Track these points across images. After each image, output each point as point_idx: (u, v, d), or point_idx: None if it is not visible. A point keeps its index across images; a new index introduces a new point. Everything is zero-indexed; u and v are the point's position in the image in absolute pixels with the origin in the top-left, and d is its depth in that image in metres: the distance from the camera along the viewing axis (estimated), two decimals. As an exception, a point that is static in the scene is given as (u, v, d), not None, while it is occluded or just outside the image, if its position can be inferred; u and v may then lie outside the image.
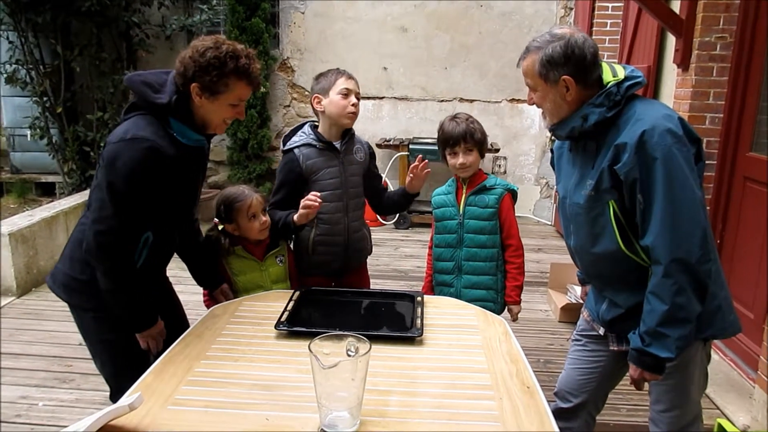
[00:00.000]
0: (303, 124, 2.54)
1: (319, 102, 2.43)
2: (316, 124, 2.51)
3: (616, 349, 1.91)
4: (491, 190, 2.49)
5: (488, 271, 2.52)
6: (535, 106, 1.82)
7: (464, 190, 2.52)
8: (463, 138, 2.42)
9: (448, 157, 2.50)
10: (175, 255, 2.23)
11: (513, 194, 2.53)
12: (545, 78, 1.70)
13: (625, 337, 1.83)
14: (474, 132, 2.43)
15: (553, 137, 1.94)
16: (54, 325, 3.84)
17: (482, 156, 2.53)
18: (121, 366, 1.98)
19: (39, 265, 4.58)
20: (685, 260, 1.56)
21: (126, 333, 1.95)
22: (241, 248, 2.40)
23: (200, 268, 2.35)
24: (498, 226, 2.49)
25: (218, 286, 2.37)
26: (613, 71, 1.72)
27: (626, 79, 1.69)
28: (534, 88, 1.76)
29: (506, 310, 2.58)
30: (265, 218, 2.38)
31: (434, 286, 2.65)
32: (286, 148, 2.49)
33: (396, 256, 5.17)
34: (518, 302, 2.56)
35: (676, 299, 1.58)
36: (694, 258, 1.56)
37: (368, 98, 6.54)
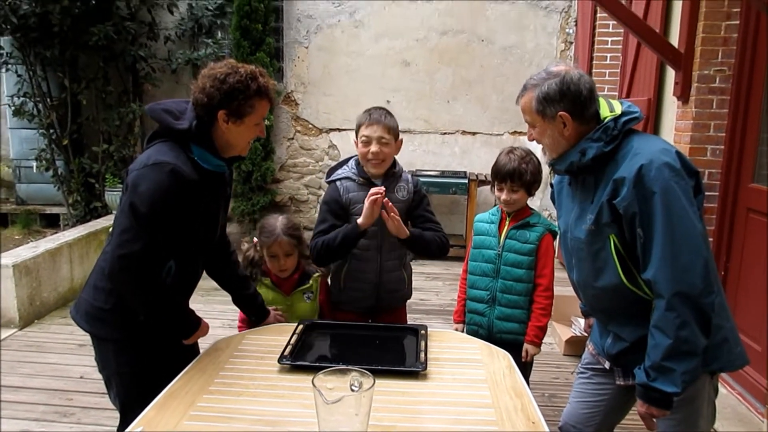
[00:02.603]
0: (350, 158, 2.56)
1: (356, 145, 2.46)
2: None
3: (622, 383, 1.89)
4: (533, 227, 2.49)
5: (522, 305, 2.51)
6: (535, 141, 1.85)
7: (507, 223, 2.53)
8: (511, 176, 2.43)
9: (495, 189, 2.53)
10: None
11: (554, 234, 2.50)
12: (542, 114, 1.73)
13: (631, 371, 1.81)
14: (524, 173, 2.43)
15: (553, 171, 1.96)
16: (56, 357, 3.82)
17: (531, 195, 2.52)
18: (135, 399, 1.94)
19: (42, 297, 4.57)
20: (688, 293, 1.56)
21: (145, 366, 1.94)
22: (269, 280, 2.41)
23: (244, 300, 2.34)
24: (534, 263, 2.49)
25: (263, 313, 2.35)
26: (610, 106, 1.74)
27: (623, 114, 1.71)
28: (533, 124, 1.79)
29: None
30: (285, 262, 2.39)
31: (466, 313, 2.64)
32: (329, 179, 2.53)
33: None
34: (537, 344, 2.52)
35: (679, 333, 1.57)
36: (697, 291, 1.56)
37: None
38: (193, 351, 2.16)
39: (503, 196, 2.47)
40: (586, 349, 2.10)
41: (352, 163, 2.52)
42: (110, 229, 1.94)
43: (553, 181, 2.11)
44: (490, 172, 2.58)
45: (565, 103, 1.69)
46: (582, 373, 2.09)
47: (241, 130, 1.89)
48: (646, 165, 1.59)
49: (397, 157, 2.53)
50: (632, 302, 1.74)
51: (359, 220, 2.32)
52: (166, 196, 1.76)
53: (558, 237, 2.10)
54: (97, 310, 1.94)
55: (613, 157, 1.69)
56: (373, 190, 2.28)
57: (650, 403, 1.66)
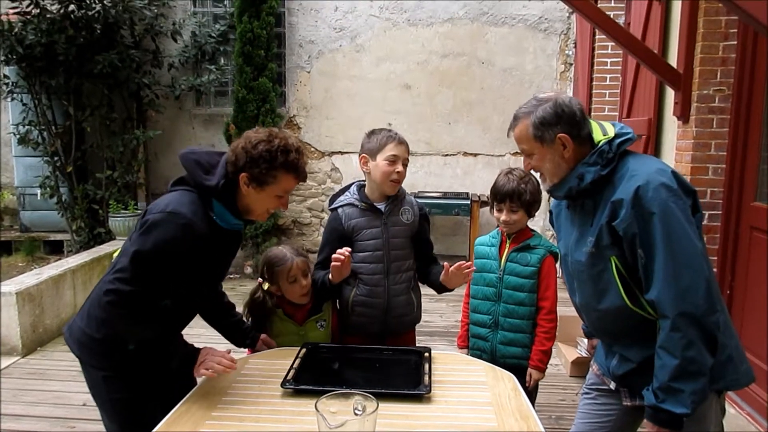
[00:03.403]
0: (351, 184, 2.54)
1: (365, 163, 2.39)
2: (364, 183, 2.49)
3: (629, 404, 1.87)
4: (534, 249, 2.47)
5: (525, 329, 2.49)
6: (533, 170, 1.85)
7: (508, 246, 2.51)
8: (510, 196, 2.42)
9: (494, 210, 2.50)
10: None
11: (555, 256, 2.47)
12: (541, 140, 1.73)
13: (638, 392, 1.80)
14: (523, 193, 2.41)
15: (551, 198, 1.98)
16: (58, 385, 3.79)
17: (531, 216, 2.50)
18: (128, 426, 1.95)
19: (45, 324, 4.56)
20: (692, 313, 1.55)
21: (135, 394, 1.93)
22: (281, 311, 2.40)
23: (230, 330, 2.34)
24: (536, 286, 2.47)
25: (254, 341, 2.34)
26: (602, 129, 1.76)
27: (617, 136, 1.72)
28: (530, 152, 1.78)
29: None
30: (306, 282, 2.37)
31: (469, 337, 2.61)
32: (331, 207, 2.50)
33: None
34: (541, 369, 2.49)
35: (686, 353, 1.56)
36: (701, 311, 1.55)
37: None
38: (189, 380, 2.15)
39: (503, 217, 2.45)
40: (591, 369, 2.08)
41: (353, 188, 2.50)
42: (114, 255, 1.95)
43: (551, 205, 2.10)
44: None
45: (563, 125, 1.70)
46: (587, 393, 2.07)
47: (261, 197, 1.90)
48: (643, 186, 1.60)
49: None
50: (637, 323, 1.73)
51: (329, 276, 2.32)
52: (172, 248, 1.78)
53: (558, 260, 2.09)
54: (87, 338, 1.93)
55: (610, 180, 1.70)
56: (339, 250, 2.25)
57: (660, 424, 1.64)
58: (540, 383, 2.56)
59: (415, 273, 2.54)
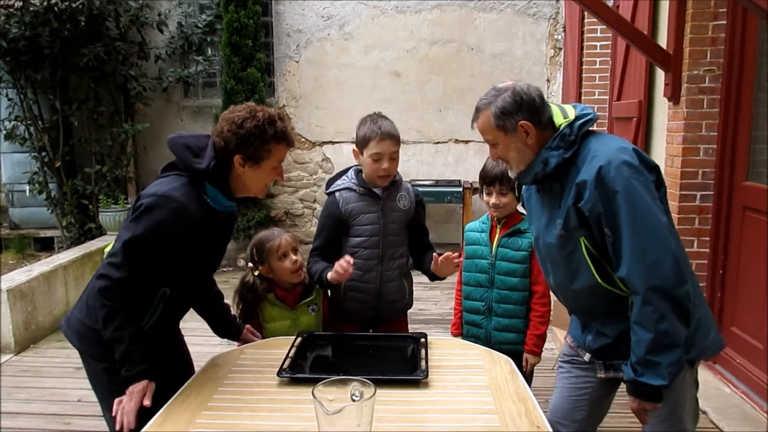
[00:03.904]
0: (349, 168, 2.51)
1: (357, 156, 2.39)
2: (362, 168, 2.46)
3: (603, 376, 1.90)
4: (525, 233, 2.45)
5: (519, 314, 2.48)
6: (499, 159, 1.88)
7: (498, 231, 2.50)
8: (499, 179, 2.40)
9: (484, 194, 2.49)
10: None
11: None
12: (503, 129, 1.75)
13: (611, 365, 1.85)
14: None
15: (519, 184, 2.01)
16: (53, 382, 3.77)
17: (519, 199, 2.44)
18: None
19: (38, 321, 4.53)
20: (661, 287, 1.58)
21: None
22: (272, 296, 2.39)
23: (216, 319, 2.32)
24: (528, 270, 2.45)
25: (239, 331, 2.32)
26: (563, 112, 1.78)
27: (578, 118, 1.75)
28: (495, 142, 1.81)
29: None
30: (297, 257, 2.37)
31: (463, 325, 2.61)
32: (329, 191, 2.47)
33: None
34: (537, 353, 2.48)
35: (659, 326, 1.59)
36: (670, 283, 1.59)
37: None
38: (188, 370, 2.14)
39: (492, 200, 2.44)
40: (565, 341, 2.11)
41: (351, 173, 2.47)
42: (106, 249, 1.93)
43: (522, 190, 2.12)
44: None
45: (523, 112, 1.72)
46: (562, 367, 2.10)
47: (258, 174, 1.89)
48: (605, 166, 1.62)
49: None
50: (611, 300, 1.76)
51: (328, 275, 2.25)
52: (165, 232, 1.76)
53: (532, 243, 2.10)
54: (87, 328, 1.91)
55: (574, 162, 1.72)
56: (342, 262, 2.18)
57: (641, 397, 1.68)
58: (536, 367, 2.56)
59: (408, 260, 2.54)
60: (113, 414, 1.75)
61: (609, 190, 1.61)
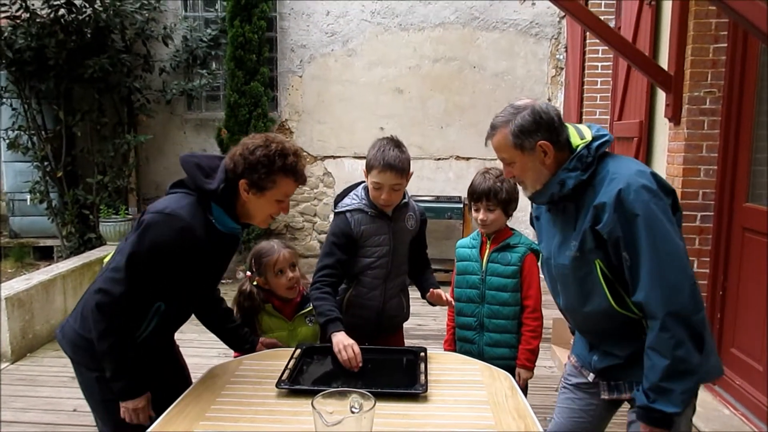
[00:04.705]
0: (357, 185, 2.49)
1: (365, 175, 2.37)
2: None
3: (607, 398, 1.89)
4: (515, 248, 2.45)
5: (511, 329, 2.47)
6: (515, 179, 1.85)
7: (488, 246, 2.50)
8: (486, 195, 2.40)
9: (472, 210, 2.49)
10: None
11: (536, 254, 2.45)
12: (521, 148, 1.72)
13: (616, 385, 1.83)
14: (499, 192, 2.40)
15: (534, 204, 2.01)
16: (48, 391, 3.75)
17: (508, 216, 2.48)
18: (122, 428, 1.91)
19: (35, 330, 4.51)
20: (680, 313, 1.57)
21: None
22: (270, 306, 2.38)
23: (229, 336, 2.32)
24: (519, 285, 2.45)
25: (253, 345, 2.31)
26: (579, 133, 1.76)
27: (594, 139, 1.73)
28: (510, 161, 1.78)
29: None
30: (294, 274, 2.36)
31: (456, 341, 2.59)
32: (338, 210, 2.44)
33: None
34: (529, 368, 2.47)
35: (676, 353, 1.57)
36: (688, 310, 1.57)
37: (365, 158, 6.60)
38: (185, 381, 2.13)
39: (480, 216, 2.44)
40: (568, 361, 2.09)
41: (361, 192, 2.44)
42: (105, 260, 1.94)
43: (532, 207, 2.09)
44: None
45: (542, 132, 1.70)
46: (565, 387, 2.08)
47: (261, 203, 1.89)
48: (624, 189, 1.60)
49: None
50: (622, 323, 1.74)
51: (334, 336, 2.12)
52: (168, 251, 1.77)
53: (540, 263, 2.09)
54: (81, 338, 1.90)
55: (591, 183, 1.71)
56: (351, 363, 2.03)
57: (652, 424, 1.65)
58: (534, 385, 2.55)
59: (407, 275, 2.56)
60: (128, 420, 1.82)
61: (629, 213, 1.59)
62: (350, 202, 2.43)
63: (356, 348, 2.06)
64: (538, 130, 1.69)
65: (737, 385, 3.42)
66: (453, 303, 2.44)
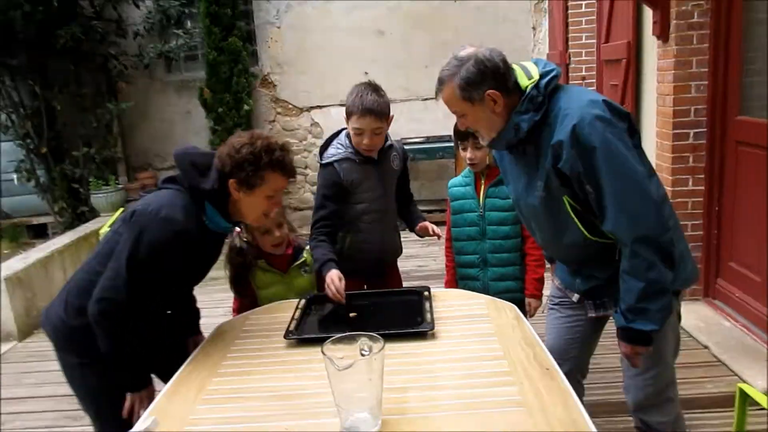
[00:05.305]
0: (338, 132, 2.48)
1: (346, 121, 2.37)
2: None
3: (594, 315, 1.94)
4: None
5: (514, 262, 2.49)
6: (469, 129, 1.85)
7: (483, 182, 2.49)
8: (472, 134, 2.35)
9: (460, 149, 2.47)
10: None
11: None
12: (470, 100, 1.70)
13: (601, 303, 1.89)
14: None
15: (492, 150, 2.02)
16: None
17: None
18: (105, 411, 1.93)
19: (38, 307, 4.51)
20: (648, 236, 1.61)
21: (111, 381, 1.88)
22: (264, 262, 2.38)
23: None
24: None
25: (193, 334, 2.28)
26: (527, 73, 1.73)
27: (542, 76, 1.70)
28: (462, 113, 1.76)
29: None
30: (280, 233, 2.34)
31: (458, 280, 2.61)
32: (324, 161, 2.43)
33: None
34: (538, 296, 2.50)
35: (648, 275, 1.62)
36: (654, 232, 1.61)
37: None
38: (170, 366, 2.14)
39: (468, 155, 2.42)
40: (553, 283, 2.13)
41: (344, 140, 2.43)
42: (97, 249, 1.93)
43: (493, 151, 2.11)
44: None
45: (488, 81, 1.67)
46: (552, 308, 2.13)
47: (252, 201, 1.88)
48: (578, 124, 1.60)
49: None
50: (599, 249, 1.78)
51: (325, 275, 2.18)
52: (165, 253, 1.77)
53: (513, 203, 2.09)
54: (64, 324, 1.89)
55: (545, 122, 1.70)
56: (335, 293, 2.12)
57: (632, 342, 1.72)
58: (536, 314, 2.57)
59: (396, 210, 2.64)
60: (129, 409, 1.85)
61: (586, 147, 1.60)
62: (336, 151, 2.42)
63: (342, 283, 2.14)
64: (484, 80, 1.67)
65: (737, 298, 3.47)
66: (440, 234, 2.46)
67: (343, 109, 2.37)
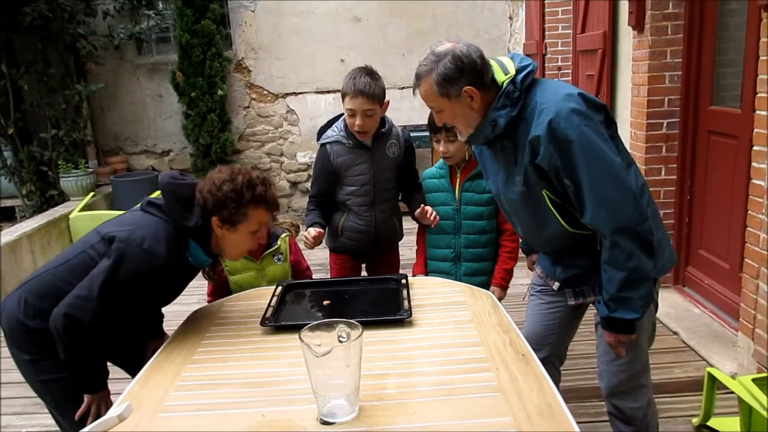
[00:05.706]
0: (339, 116, 2.53)
1: (343, 104, 2.42)
2: None
3: (573, 303, 1.96)
4: None
5: (488, 257, 2.49)
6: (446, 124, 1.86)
7: (459, 175, 2.47)
8: (446, 127, 2.36)
9: (434, 142, 2.45)
10: None
11: None
12: (447, 96, 1.70)
13: (580, 291, 1.92)
14: None
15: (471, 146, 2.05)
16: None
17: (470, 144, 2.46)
18: (66, 403, 1.88)
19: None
20: (626, 227, 1.62)
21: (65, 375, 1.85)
22: None
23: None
24: (495, 211, 2.44)
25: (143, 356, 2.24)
26: (503, 68, 1.73)
27: (518, 71, 1.71)
28: (439, 109, 1.77)
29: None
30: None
31: (428, 273, 2.57)
32: (320, 142, 2.55)
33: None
34: (504, 287, 2.50)
35: (629, 265, 1.64)
36: (633, 222, 1.62)
37: (328, 92, 6.46)
38: (135, 355, 2.13)
39: (441, 148, 2.40)
40: (534, 272, 2.16)
41: (340, 124, 2.51)
42: (65, 254, 1.89)
43: (472, 146, 2.11)
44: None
45: (466, 77, 1.67)
46: (533, 295, 2.16)
47: (235, 238, 1.86)
48: (554, 118, 1.61)
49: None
50: (580, 240, 1.81)
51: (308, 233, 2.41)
52: (143, 282, 1.76)
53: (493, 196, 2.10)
54: (20, 324, 1.83)
55: (522, 117, 1.70)
56: (309, 239, 2.39)
57: (615, 331, 1.75)
58: (511, 303, 2.59)
59: (397, 196, 2.67)
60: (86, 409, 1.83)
61: (563, 141, 1.61)
62: (331, 134, 2.52)
63: (317, 233, 2.38)
64: (462, 76, 1.67)
65: (706, 285, 3.55)
66: (438, 220, 2.43)
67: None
